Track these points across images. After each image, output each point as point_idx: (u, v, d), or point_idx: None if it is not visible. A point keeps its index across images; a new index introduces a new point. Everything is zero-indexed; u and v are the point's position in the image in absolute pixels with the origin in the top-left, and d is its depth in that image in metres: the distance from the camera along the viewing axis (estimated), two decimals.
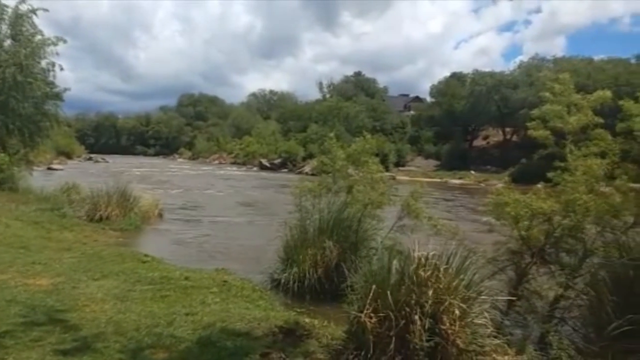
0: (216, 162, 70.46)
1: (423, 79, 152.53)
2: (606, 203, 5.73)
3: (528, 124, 7.20)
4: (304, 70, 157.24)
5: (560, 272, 5.71)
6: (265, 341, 4.68)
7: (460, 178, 44.61)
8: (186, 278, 7.16)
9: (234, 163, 66.13)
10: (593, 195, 5.80)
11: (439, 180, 43.71)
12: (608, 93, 6.80)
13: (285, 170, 53.28)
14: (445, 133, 59.03)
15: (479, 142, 61.33)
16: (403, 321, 4.20)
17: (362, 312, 4.30)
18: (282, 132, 66.96)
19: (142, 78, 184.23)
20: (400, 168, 54.22)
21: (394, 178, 36.54)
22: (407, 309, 4.27)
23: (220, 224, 14.93)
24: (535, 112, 7.04)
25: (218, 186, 30.34)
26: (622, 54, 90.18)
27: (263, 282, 8.03)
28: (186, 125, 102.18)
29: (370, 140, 9.10)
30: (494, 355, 4.53)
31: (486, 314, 4.47)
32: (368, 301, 4.35)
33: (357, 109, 63.76)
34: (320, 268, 7.61)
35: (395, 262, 4.73)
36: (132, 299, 5.93)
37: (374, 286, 4.45)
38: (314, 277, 7.48)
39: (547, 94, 7.00)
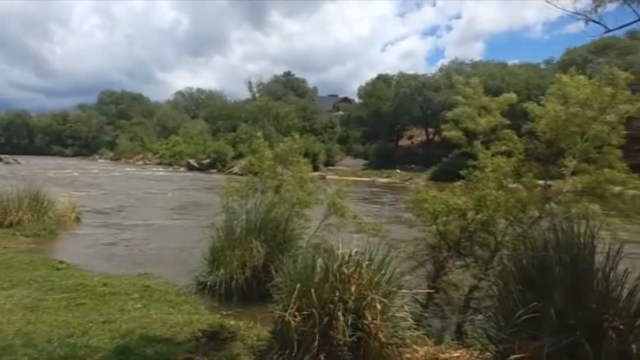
0: (140, 162, 67.54)
1: (352, 80, 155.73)
2: (514, 198, 6.17)
3: (442, 125, 7.58)
4: (233, 69, 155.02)
5: (474, 264, 6.06)
6: (188, 346, 4.58)
7: (387, 177, 45.98)
8: (104, 284, 6.84)
9: (159, 164, 63.76)
10: (502, 191, 6.21)
11: (367, 179, 44.78)
12: (514, 96, 7.30)
13: (215, 170, 52.22)
14: (373, 133, 60.67)
15: (404, 142, 63.55)
16: (327, 318, 4.27)
17: (286, 311, 4.33)
18: (210, 132, 65.60)
19: (58, 74, 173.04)
20: (330, 167, 55.00)
21: (323, 177, 36.97)
22: (331, 306, 4.35)
23: (144, 227, 14.35)
24: (449, 113, 7.42)
25: (143, 188, 29.15)
26: (534, 59, 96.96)
27: (188, 286, 7.84)
28: (107, 124, 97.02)
29: (298, 140, 9.16)
30: (414, 346, 4.73)
31: (406, 307, 4.64)
32: (292, 300, 4.38)
33: (287, 109, 63.88)
34: (248, 269, 7.55)
35: (319, 260, 4.80)
36: (44, 309, 5.57)
37: (298, 285, 4.49)
38: (242, 279, 7.40)
39: (459, 97, 7.42)
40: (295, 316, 4.30)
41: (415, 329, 4.84)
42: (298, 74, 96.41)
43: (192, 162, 55.95)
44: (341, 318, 4.23)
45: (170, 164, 61.09)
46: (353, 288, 4.43)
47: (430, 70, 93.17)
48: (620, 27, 4.30)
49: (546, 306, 3.46)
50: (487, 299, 5.09)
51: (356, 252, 4.90)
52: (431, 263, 6.31)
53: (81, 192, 22.48)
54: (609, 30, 4.40)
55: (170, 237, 12.88)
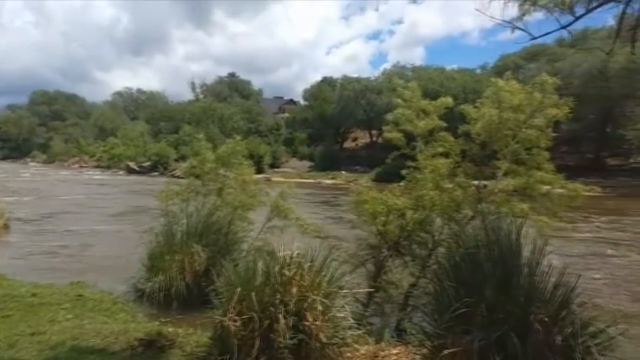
0: (76, 166, 64.38)
1: (297, 82, 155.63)
2: (449, 198, 6.39)
3: (384, 127, 7.73)
4: (175, 69, 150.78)
5: (413, 263, 6.22)
6: (123, 356, 4.41)
7: (332, 178, 46.35)
8: (34, 294, 6.46)
9: (97, 167, 61.05)
10: (439, 191, 6.42)
11: (312, 180, 44.95)
12: (450, 99, 7.55)
13: (156, 173, 50.61)
14: (318, 135, 61.03)
15: (349, 144, 64.34)
16: (267, 321, 4.25)
17: (226, 316, 4.27)
18: (151, 134, 63.58)
19: None
20: (276, 170, 54.77)
21: (269, 179, 36.89)
22: (272, 309, 4.33)
23: (79, 234, 13.69)
24: (389, 116, 7.58)
25: (78, 192, 27.80)
26: (471, 64, 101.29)
27: (125, 294, 7.56)
28: (40, 126, 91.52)
29: (240, 142, 9.05)
30: (355, 345, 4.79)
31: (347, 307, 4.69)
32: (232, 304, 4.33)
33: (231, 111, 63.03)
34: (189, 274, 7.37)
35: (260, 263, 4.77)
36: None
37: (238, 289, 4.44)
38: (182, 284, 7.22)
39: (399, 99, 7.60)
40: (235, 321, 4.24)
41: (356, 328, 4.90)
42: (243, 75, 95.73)
43: (132, 165, 53.98)
44: (282, 320, 4.21)
45: (108, 167, 58.66)
46: (294, 290, 4.44)
47: (374, 73, 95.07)
48: (544, 35, 4.56)
49: (477, 302, 3.61)
50: (425, 296, 5.24)
51: (298, 254, 4.91)
52: (372, 262, 6.42)
53: (11, 198, 21.14)
54: (534, 38, 4.65)
55: (108, 244, 12.36)
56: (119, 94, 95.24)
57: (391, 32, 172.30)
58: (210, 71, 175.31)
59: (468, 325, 3.62)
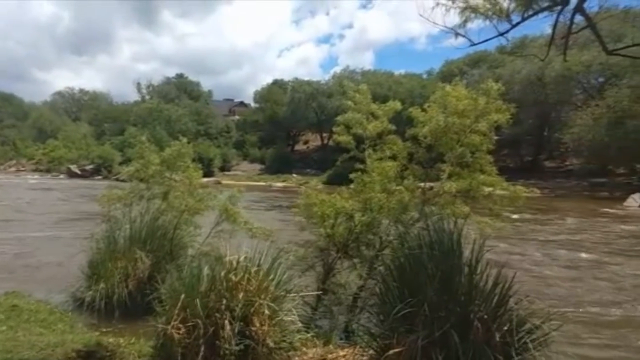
0: (13, 169, 60.91)
1: (248, 84, 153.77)
2: (397, 201, 6.49)
3: (334, 130, 7.78)
4: (121, 69, 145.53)
5: (361, 264, 6.27)
6: None
7: (283, 181, 46.30)
8: None
9: (35, 170, 57.99)
10: (386, 194, 6.51)
11: (263, 183, 44.73)
12: (398, 103, 7.69)
13: (100, 177, 48.77)
14: (269, 138, 60.79)
15: (300, 147, 64.50)
16: (213, 328, 4.15)
17: (169, 323, 4.13)
18: (95, 136, 61.19)
19: None
20: (226, 172, 54.12)
21: (219, 183, 36.34)
22: (218, 315, 4.24)
23: (15, 241, 12.91)
24: (339, 118, 7.63)
25: (15, 197, 26.29)
26: (418, 69, 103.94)
27: (64, 303, 7.19)
28: None
29: (187, 144, 8.82)
30: (304, 349, 4.78)
31: (295, 311, 4.67)
32: (176, 311, 4.20)
33: (179, 112, 61.63)
34: (132, 281, 7.10)
35: (206, 268, 4.67)
36: None
37: (182, 295, 4.32)
38: (124, 292, 6.93)
39: (349, 102, 7.66)
40: (178, 328, 4.12)
41: (304, 331, 4.89)
42: (192, 76, 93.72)
43: (74, 168, 51.71)
44: (228, 327, 4.14)
45: (48, 171, 55.90)
46: (241, 295, 4.36)
47: (325, 77, 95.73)
48: (483, 42, 4.73)
49: (420, 301, 3.68)
50: (372, 298, 5.29)
51: (245, 258, 4.84)
52: (321, 265, 6.42)
53: None
54: (474, 44, 4.82)
55: (46, 251, 11.72)
56: (59, 94, 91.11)
57: (341, 36, 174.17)
58: (158, 72, 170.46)
59: (412, 325, 3.69)
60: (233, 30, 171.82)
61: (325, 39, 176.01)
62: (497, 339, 3.49)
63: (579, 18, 4.19)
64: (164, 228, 7.69)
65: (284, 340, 4.49)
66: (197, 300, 4.21)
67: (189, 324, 4.17)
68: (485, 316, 3.55)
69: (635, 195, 26.61)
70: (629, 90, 31.64)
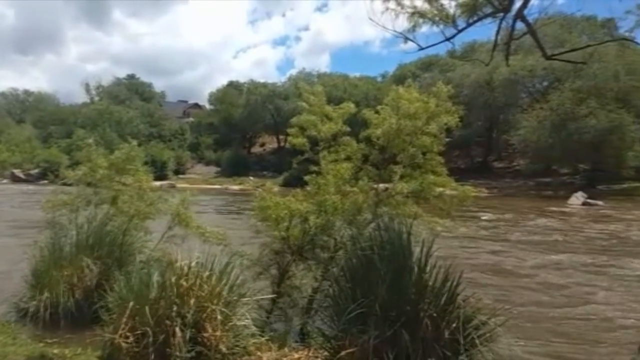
0: None
1: (203, 85, 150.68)
2: (351, 202, 6.55)
3: (288, 131, 7.77)
4: (68, 70, 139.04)
5: (316, 266, 6.28)
6: None
7: (239, 183, 45.76)
8: None
9: None
10: (340, 195, 6.56)
11: (219, 186, 44.14)
12: (352, 106, 7.76)
13: (46, 181, 46.56)
14: (225, 140, 60.07)
15: (256, 149, 64.05)
16: (163, 335, 4.05)
17: (117, 332, 4.00)
18: (40, 139, 58.46)
19: None
20: (181, 176, 52.98)
21: (173, 186, 35.49)
22: (168, 322, 4.14)
23: None
24: (294, 120, 7.63)
25: None
26: (373, 72, 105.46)
27: (6, 314, 6.82)
28: None
29: (136, 147, 8.58)
30: (258, 353, 4.73)
31: (248, 315, 4.62)
32: (124, 320, 4.07)
33: (130, 114, 59.84)
34: (78, 290, 6.82)
35: (155, 274, 4.55)
36: None
37: (131, 303, 4.19)
38: (70, 301, 6.65)
39: (304, 104, 7.67)
40: (127, 337, 4.00)
41: (259, 335, 4.85)
42: (145, 77, 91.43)
43: (18, 172, 49.20)
44: (179, 334, 4.05)
45: None
46: (192, 301, 4.28)
47: (281, 79, 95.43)
48: (430, 46, 4.86)
49: (372, 301, 3.72)
50: (326, 299, 5.31)
51: (196, 263, 4.75)
52: (276, 268, 6.38)
53: None
54: (422, 48, 4.94)
55: None
56: (2, 95, 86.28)
57: (298, 39, 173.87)
58: (108, 72, 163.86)
59: (364, 325, 3.73)
60: (187, 31, 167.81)
61: (282, 41, 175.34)
62: (446, 336, 3.59)
63: (521, 25, 4.38)
64: (112, 234, 7.43)
65: (238, 345, 4.44)
66: (146, 307, 4.09)
67: (138, 332, 4.05)
68: (435, 314, 3.64)
69: (578, 194, 28.02)
70: (571, 93, 33.32)
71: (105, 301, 4.65)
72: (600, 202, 26.61)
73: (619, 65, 32.34)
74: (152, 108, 66.34)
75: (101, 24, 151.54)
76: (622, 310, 7.85)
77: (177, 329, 4.07)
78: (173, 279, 4.41)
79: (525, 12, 4.09)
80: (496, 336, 3.69)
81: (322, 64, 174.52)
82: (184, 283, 4.36)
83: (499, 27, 4.36)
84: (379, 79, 58.50)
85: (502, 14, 4.11)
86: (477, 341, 3.62)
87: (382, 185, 7.19)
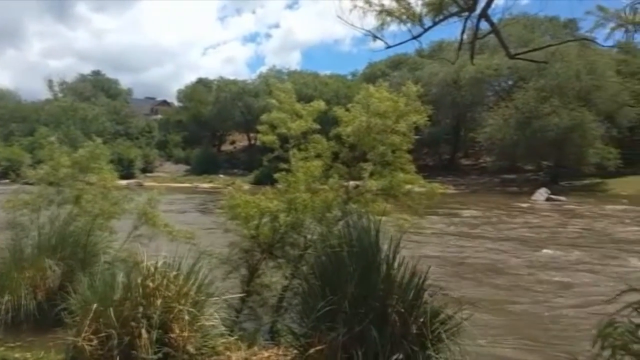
0: None
1: (171, 82, 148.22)
2: (321, 200, 6.56)
3: (258, 128, 7.73)
4: (31, 66, 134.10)
5: (286, 264, 6.27)
6: None
7: (209, 182, 45.25)
8: None
9: None
10: (310, 193, 6.56)
11: (188, 185, 43.57)
12: (322, 103, 7.76)
13: (7, 181, 44.88)
14: (194, 138, 59.30)
15: (227, 147, 63.45)
16: (128, 337, 3.97)
17: (80, 335, 3.90)
18: (1, 137, 56.38)
19: None
20: (149, 174, 52.04)
21: (141, 185, 34.83)
22: (134, 324, 4.05)
23: None
24: (264, 117, 7.58)
25: None
26: (343, 70, 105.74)
27: None
28: None
29: (101, 145, 8.38)
30: (227, 353, 4.68)
31: (217, 315, 4.57)
32: (88, 322, 3.97)
33: (96, 112, 58.36)
34: (41, 292, 6.61)
35: (120, 275, 4.45)
36: None
37: (95, 305, 4.08)
38: (32, 304, 6.44)
39: (274, 101, 7.63)
40: (90, 340, 3.90)
41: (228, 335, 4.80)
42: (111, 73, 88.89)
43: None
44: (145, 335, 3.96)
45: None
46: (159, 301, 4.20)
47: (252, 76, 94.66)
48: (398, 44, 4.90)
49: (341, 299, 3.74)
50: (296, 297, 5.30)
51: (163, 262, 4.67)
52: (245, 267, 6.34)
53: None
54: (389, 47, 4.98)
55: None
56: None
57: (268, 36, 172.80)
58: (72, 68, 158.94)
59: (333, 322, 3.74)
60: (154, 27, 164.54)
61: (252, 38, 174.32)
62: (414, 331, 3.63)
63: (485, 24, 4.46)
64: (76, 234, 7.23)
65: (206, 346, 4.38)
66: (111, 309, 4.00)
67: (102, 334, 3.95)
68: (402, 310, 3.68)
69: (541, 190, 28.87)
70: (535, 92, 34.26)
71: (68, 303, 4.51)
72: (562, 198, 27.47)
73: (580, 64, 33.41)
74: (118, 105, 64.88)
75: (65, 19, 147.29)
76: (588, 304, 8.11)
77: (143, 331, 3.98)
78: (139, 280, 4.32)
79: (489, 11, 4.17)
80: (462, 330, 3.77)
81: (292, 61, 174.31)
82: (150, 283, 4.27)
83: (464, 27, 4.43)
84: (349, 77, 58.80)
85: (467, 14, 4.18)
86: (443, 335, 3.68)
87: (352, 183, 7.24)
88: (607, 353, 1.72)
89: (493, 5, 4.18)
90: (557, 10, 42.40)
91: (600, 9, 3.72)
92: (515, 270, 10.72)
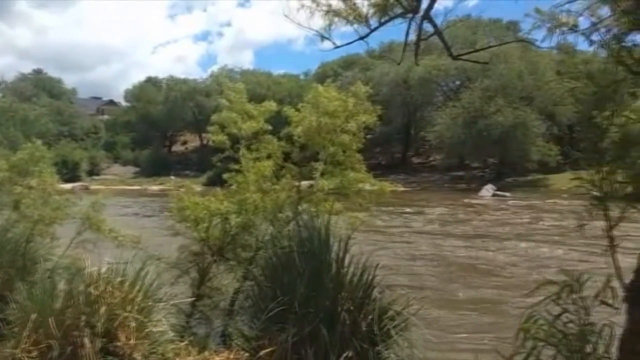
0: None
1: (118, 81, 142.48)
2: (272, 200, 6.53)
3: (208, 128, 7.61)
4: None
5: (238, 266, 6.20)
6: None
7: (160, 184, 44.01)
8: None
9: None
10: (261, 193, 6.51)
11: (138, 187, 42.37)
12: (274, 104, 7.73)
13: None
14: (143, 139, 57.61)
15: (178, 148, 62.09)
16: (70, 347, 3.80)
17: (18, 347, 3.70)
18: None
19: None
20: (95, 177, 50.14)
21: (87, 188, 33.51)
22: (76, 333, 3.89)
23: None
24: (214, 117, 7.48)
25: None
26: (297, 70, 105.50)
27: None
28: None
29: (41, 147, 7.99)
30: (177, 359, 4.58)
31: (164, 321, 4.46)
32: (26, 333, 3.77)
33: (37, 112, 55.53)
34: None
35: (61, 283, 4.27)
36: None
37: (34, 315, 3.89)
38: None
39: (224, 101, 7.54)
40: (29, 352, 3.71)
41: (179, 340, 4.70)
42: (54, 72, 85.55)
43: None
44: (88, 344, 3.81)
45: None
46: (103, 309, 4.05)
47: (203, 75, 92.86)
48: (345, 45, 4.93)
49: (291, 299, 3.73)
50: (248, 299, 5.25)
51: (108, 268, 4.51)
52: (195, 270, 6.23)
53: None
54: (337, 47, 5.01)
55: None
56: None
57: (220, 34, 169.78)
58: (12, 67, 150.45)
59: (284, 324, 3.73)
60: (101, 23, 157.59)
61: (203, 36, 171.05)
62: (363, 328, 3.68)
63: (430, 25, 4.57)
64: (14, 241, 6.86)
65: (154, 352, 4.26)
66: (51, 319, 3.82)
67: (42, 345, 3.77)
68: (352, 308, 3.72)
69: (488, 186, 30.00)
70: (481, 92, 35.53)
71: (5, 314, 4.28)
72: (507, 194, 28.65)
73: (522, 65, 34.92)
74: (62, 105, 62.07)
75: (4, 15, 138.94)
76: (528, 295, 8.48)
77: (86, 340, 3.83)
78: (81, 287, 4.15)
79: (432, 13, 4.27)
80: (411, 326, 3.85)
81: (245, 60, 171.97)
82: (94, 291, 4.11)
83: (409, 28, 4.51)
84: (302, 77, 58.83)
85: (411, 15, 4.25)
86: (392, 331, 3.75)
87: (306, 183, 7.26)
88: (529, 344, 1.81)
89: (439, 7, 4.29)
90: (501, 12, 44.10)
91: (537, 11, 3.87)
92: (456, 263, 11.07)
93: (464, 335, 6.75)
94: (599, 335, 1.87)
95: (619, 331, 1.98)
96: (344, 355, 3.55)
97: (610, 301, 1.93)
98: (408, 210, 21.25)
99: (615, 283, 1.93)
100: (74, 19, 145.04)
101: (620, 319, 2.04)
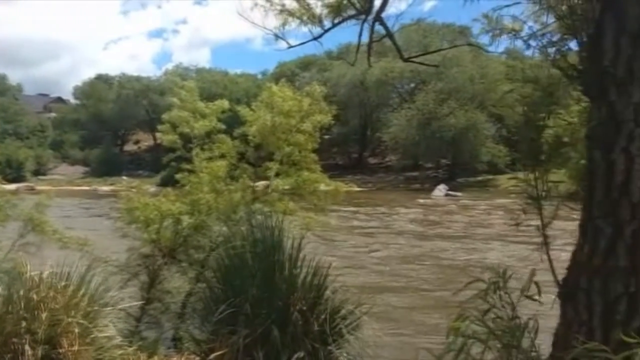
0: None
1: (67, 78, 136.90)
2: (226, 201, 6.44)
3: (159, 128, 7.44)
4: None
5: (190, 268, 6.08)
6: None
7: (111, 184, 42.61)
8: None
9: None
10: (215, 194, 6.42)
11: (87, 187, 40.91)
12: (226, 103, 7.63)
13: None
14: (93, 138, 55.66)
15: (130, 147, 60.31)
16: (10, 355, 3.62)
17: None
18: None
19: None
20: (42, 177, 47.97)
21: (32, 189, 31.97)
22: (16, 340, 3.70)
23: None
24: (165, 116, 7.31)
25: None
26: (255, 69, 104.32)
27: None
28: None
29: None
30: None
31: (112, 326, 4.31)
32: None
33: None
34: None
35: (0, 288, 4.05)
36: None
37: None
38: None
39: (175, 99, 7.38)
40: None
41: (127, 345, 4.56)
42: None
43: None
44: (29, 352, 3.63)
45: None
46: (44, 315, 3.87)
47: (158, 73, 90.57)
48: (299, 45, 4.94)
49: (243, 301, 3.70)
50: (200, 302, 5.17)
51: (50, 272, 4.32)
52: (145, 273, 6.06)
53: None
54: (291, 47, 5.01)
55: None
56: None
57: (175, 32, 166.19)
58: None
59: (235, 326, 3.69)
60: (49, 18, 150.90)
61: (158, 33, 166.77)
62: (315, 328, 3.68)
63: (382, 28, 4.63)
64: None
65: (100, 359, 4.11)
66: None
67: None
68: (305, 308, 3.72)
69: (440, 187, 30.82)
70: (434, 94, 36.43)
71: None
72: (459, 194, 29.51)
73: (474, 69, 36.06)
74: (6, 102, 58.96)
75: None
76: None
77: (27, 347, 3.65)
78: (21, 292, 3.95)
79: (385, 16, 4.33)
80: (362, 324, 3.89)
81: (202, 59, 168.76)
82: (35, 296, 3.92)
83: (362, 29, 4.55)
84: (260, 77, 58.42)
85: (363, 16, 4.30)
86: (344, 330, 3.78)
87: (263, 183, 7.21)
88: (460, 341, 1.87)
89: (393, 10, 4.36)
90: (455, 17, 45.30)
91: (484, 16, 3.99)
92: (413, 264, 11.29)
93: (416, 333, 6.89)
94: (524, 329, 1.96)
95: (544, 324, 2.07)
96: (296, 356, 3.54)
97: (535, 297, 2.02)
98: (362, 210, 21.50)
99: (540, 277, 2.03)
100: (20, 11, 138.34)
101: (551, 312, 2.13)
